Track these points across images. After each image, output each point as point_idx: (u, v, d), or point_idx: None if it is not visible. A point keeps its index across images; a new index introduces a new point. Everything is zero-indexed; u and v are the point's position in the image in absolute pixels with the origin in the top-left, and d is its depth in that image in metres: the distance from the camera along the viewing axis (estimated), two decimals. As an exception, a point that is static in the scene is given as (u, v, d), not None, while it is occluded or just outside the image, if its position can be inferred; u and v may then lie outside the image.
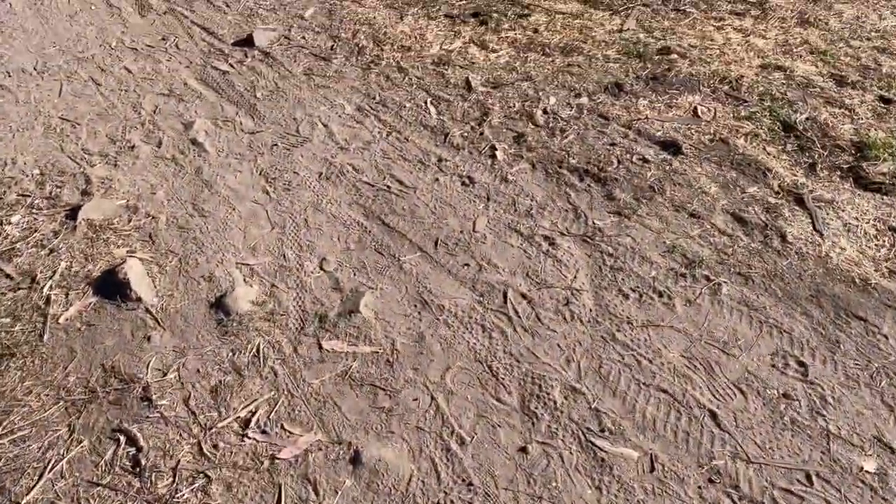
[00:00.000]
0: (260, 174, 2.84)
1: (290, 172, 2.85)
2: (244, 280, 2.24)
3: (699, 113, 3.14)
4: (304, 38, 3.96)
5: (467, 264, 2.35)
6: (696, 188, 2.66)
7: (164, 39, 3.92)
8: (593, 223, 2.51)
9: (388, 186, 2.75)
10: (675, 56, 3.59)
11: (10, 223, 2.40)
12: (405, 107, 3.31)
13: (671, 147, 2.90)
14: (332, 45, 3.88)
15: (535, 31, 3.97)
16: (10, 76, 3.44)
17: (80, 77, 3.50)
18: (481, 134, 3.09)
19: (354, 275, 2.31)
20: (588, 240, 2.44)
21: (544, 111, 3.22)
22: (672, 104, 3.21)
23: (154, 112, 3.26)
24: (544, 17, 4.10)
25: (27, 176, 2.74)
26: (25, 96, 3.28)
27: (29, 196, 2.61)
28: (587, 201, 2.62)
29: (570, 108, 3.25)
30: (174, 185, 2.76)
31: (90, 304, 2.07)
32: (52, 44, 3.77)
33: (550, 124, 3.12)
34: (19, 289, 2.14)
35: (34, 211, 2.50)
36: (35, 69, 3.53)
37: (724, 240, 2.41)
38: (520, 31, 3.99)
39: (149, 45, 3.84)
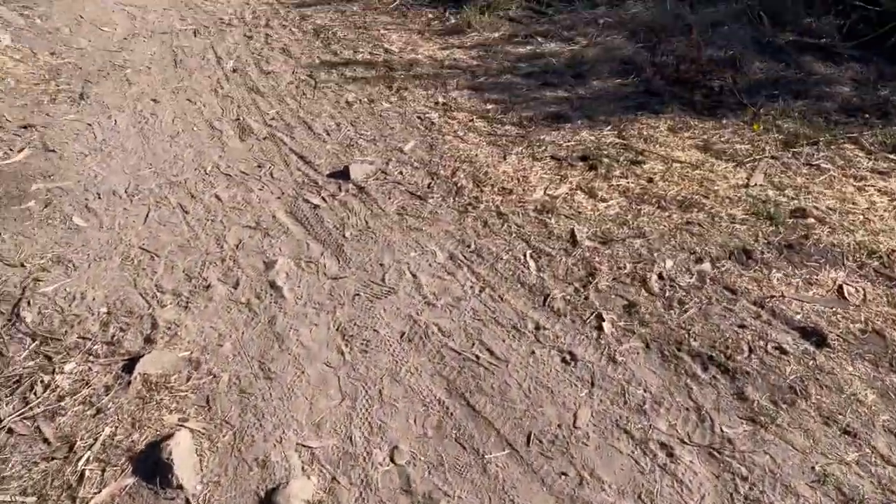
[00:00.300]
0: (337, 329, 2.60)
1: (369, 330, 2.60)
2: (302, 469, 1.95)
3: (846, 294, 2.72)
4: (401, 173, 3.83)
5: (565, 473, 1.98)
6: (849, 394, 2.22)
7: (259, 167, 3.87)
8: (721, 431, 2.10)
9: (477, 356, 2.45)
10: (811, 220, 3.21)
11: (62, 372, 2.23)
12: (502, 258, 3.05)
13: (814, 336, 2.49)
14: (430, 183, 3.72)
15: (650, 180, 3.70)
16: (99, 198, 3.42)
17: (169, 203, 3.45)
18: (586, 298, 2.77)
19: (429, 473, 1.98)
20: (715, 454, 2.03)
21: (660, 276, 2.89)
22: (812, 280, 2.81)
23: (237, 247, 3.13)
24: (660, 166, 3.84)
25: (93, 314, 2.60)
26: (110, 222, 3.23)
27: (89, 339, 2.45)
28: (713, 399, 2.23)
29: (689, 275, 2.91)
30: (244, 336, 2.55)
31: (126, 486, 1.82)
32: (147, 165, 3.79)
33: (667, 293, 2.78)
34: (53, 458, 1.92)
35: (91, 358, 2.33)
36: (126, 192, 3.51)
37: (889, 472, 1.95)
38: (632, 179, 3.72)
39: (243, 172, 3.79)
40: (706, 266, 2.96)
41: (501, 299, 2.78)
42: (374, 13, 6.78)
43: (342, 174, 3.85)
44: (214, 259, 3.05)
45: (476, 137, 4.27)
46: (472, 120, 4.50)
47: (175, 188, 3.63)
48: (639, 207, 3.45)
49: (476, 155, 4.03)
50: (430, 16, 6.78)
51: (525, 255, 3.07)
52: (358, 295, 2.82)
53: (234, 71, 5.27)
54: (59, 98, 4.51)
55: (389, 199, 3.58)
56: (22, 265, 2.85)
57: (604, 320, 2.64)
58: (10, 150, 3.78)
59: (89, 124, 4.22)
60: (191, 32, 6.13)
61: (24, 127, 4.03)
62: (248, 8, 6.89)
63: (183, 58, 5.48)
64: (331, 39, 6.01)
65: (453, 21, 6.56)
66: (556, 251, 3.10)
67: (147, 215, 3.36)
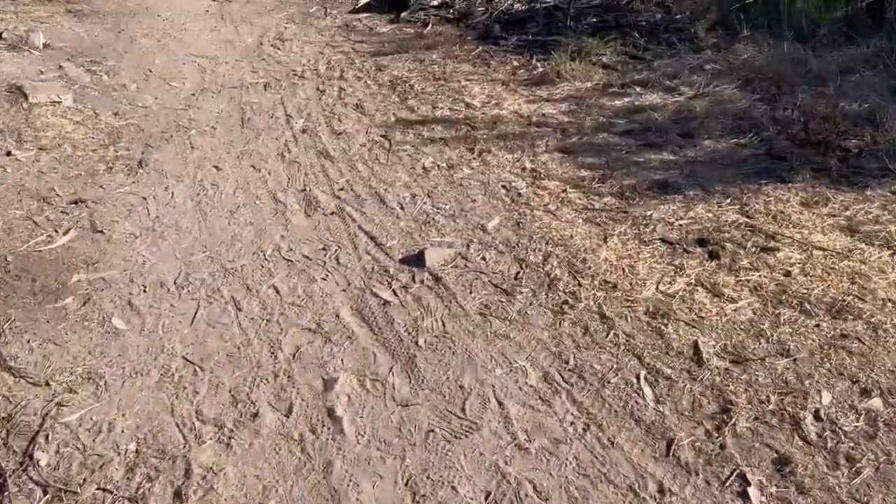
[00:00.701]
0: (406, 485, 2.13)
1: (446, 487, 2.12)
2: None
3: None
4: (483, 258, 3.38)
5: None
6: None
7: (324, 249, 3.49)
8: None
9: (586, 536, 1.93)
10: None
11: (69, 547, 1.84)
12: (609, 382, 2.54)
13: None
14: (517, 273, 3.25)
15: (787, 273, 3.11)
16: (145, 291, 3.10)
17: (222, 297, 3.10)
18: (722, 448, 2.23)
19: None
20: None
21: (816, 416, 2.32)
22: None
23: (293, 357, 2.72)
24: (797, 254, 3.24)
25: (119, 454, 2.22)
26: (154, 322, 2.89)
27: (110, 492, 2.06)
28: None
29: (854, 415, 2.32)
30: (293, 490, 2.12)
31: None
32: (202, 248, 3.46)
33: (829, 442, 2.20)
34: None
35: (107, 526, 1.93)
36: (175, 283, 3.18)
37: None
38: (764, 270, 3.15)
39: (306, 257, 3.41)
40: (876, 402, 2.37)
41: (612, 444, 2.27)
42: (454, 62, 6.42)
43: (416, 260, 3.42)
44: (266, 374, 2.64)
45: (570, 213, 3.78)
46: (564, 190, 4.02)
47: (230, 277, 3.28)
48: (777, 312, 2.87)
49: (571, 236, 3.54)
50: (515, 63, 6.37)
51: (638, 378, 2.55)
52: (432, 431, 2.35)
53: (304, 131, 4.97)
54: (117, 166, 4.28)
55: (470, 293, 3.13)
56: (47, 383, 2.52)
57: (749, 484, 2.09)
58: (56, 231, 3.53)
59: (144, 198, 3.95)
60: (261, 86, 5.91)
61: (75, 202, 3.79)
62: (323, 58, 6.66)
63: (251, 116, 5.23)
64: (408, 93, 5.66)
65: (541, 69, 6.13)
66: (677, 372, 2.56)
67: (195, 314, 3.00)
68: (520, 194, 4.02)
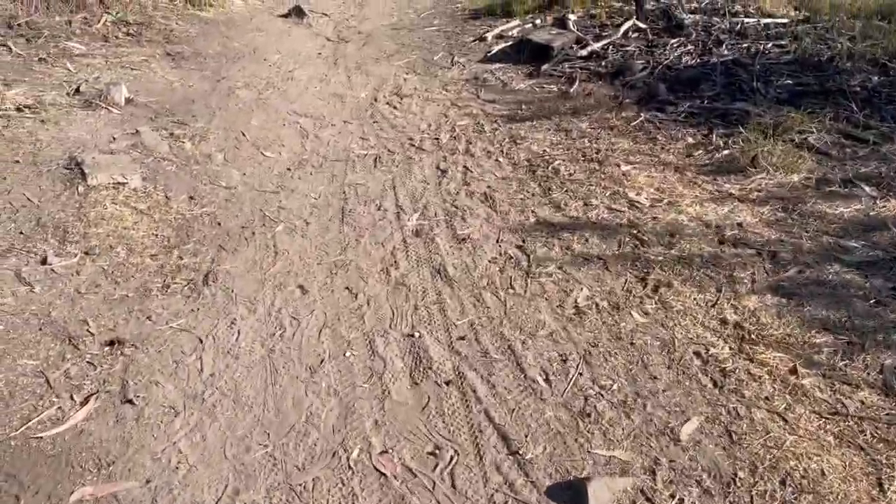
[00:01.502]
0: None
1: None
2: None
3: None
4: (681, 502, 2.21)
5: None
6: None
7: (434, 453, 2.47)
8: None
9: None
10: None
11: None
12: None
13: None
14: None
15: None
16: (166, 537, 2.12)
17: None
18: None
19: None
20: None
21: None
22: None
23: None
24: None
25: None
26: None
27: None
28: None
29: None
30: None
31: None
32: (263, 439, 2.51)
33: None
34: None
35: None
36: (213, 516, 2.19)
37: None
38: None
39: (407, 468, 2.36)
40: None
41: None
42: (609, 134, 5.29)
43: (574, 497, 2.29)
44: None
45: (811, 418, 2.57)
46: (793, 370, 2.81)
47: (294, 501, 2.26)
48: None
49: (821, 471, 2.33)
50: (690, 140, 5.17)
51: None
52: None
53: (417, 234, 3.98)
54: (176, 282, 3.43)
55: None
56: None
57: None
58: (73, 399, 2.66)
59: (200, 339, 3.05)
60: (371, 160, 4.99)
61: (110, 344, 2.93)
62: (446, 122, 5.69)
63: (353, 206, 4.30)
64: (551, 180, 4.58)
65: (725, 152, 4.91)
66: None
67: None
68: (724, 372, 2.84)
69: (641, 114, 5.72)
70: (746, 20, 7.59)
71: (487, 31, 8.21)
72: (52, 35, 6.39)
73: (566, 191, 4.47)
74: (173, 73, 6.50)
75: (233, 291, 3.45)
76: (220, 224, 4.06)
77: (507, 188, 4.57)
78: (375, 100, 6.33)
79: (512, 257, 3.76)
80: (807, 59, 6.41)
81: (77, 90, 5.32)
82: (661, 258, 3.67)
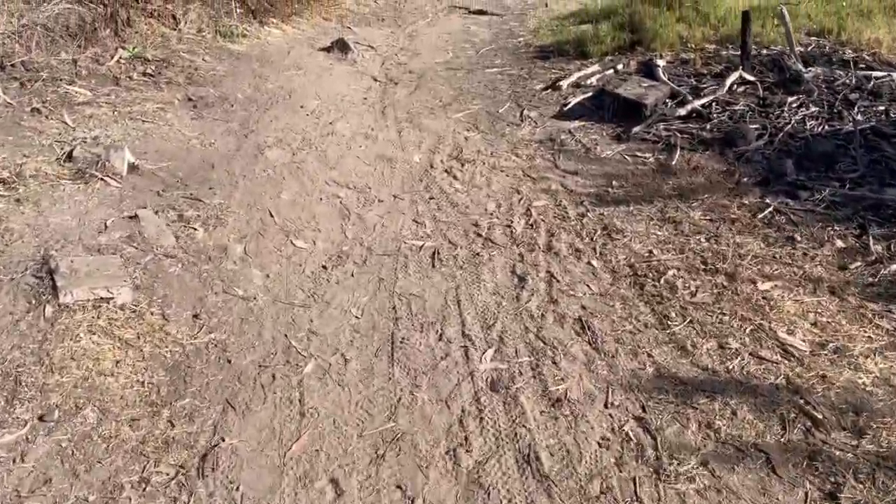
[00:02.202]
0: None
1: None
2: None
3: None
4: None
5: None
6: None
7: None
8: None
9: None
10: None
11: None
12: None
13: None
14: None
15: None
16: None
17: None
18: None
19: None
20: None
21: None
22: None
23: None
24: None
25: None
26: None
27: None
28: None
29: None
30: None
31: None
32: None
33: None
34: None
35: None
36: None
37: None
38: None
39: None
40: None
41: None
42: (730, 229, 4.28)
43: None
44: None
45: None
46: None
47: None
48: None
49: None
50: (840, 244, 4.13)
51: None
52: None
53: (493, 387, 3.02)
54: (160, 473, 2.46)
55: None
56: None
57: None
58: None
59: None
60: (427, 255, 4.04)
61: None
62: (519, 201, 4.71)
63: (407, 332, 3.35)
64: (666, 300, 3.59)
65: (894, 266, 3.82)
66: None
67: None
68: None
69: (767, 200, 4.67)
70: (876, 74, 6.50)
71: (561, 78, 7.22)
72: (51, 77, 5.55)
73: (690, 321, 3.45)
74: (193, 125, 5.62)
75: (238, 489, 2.47)
76: (230, 361, 3.12)
77: (608, 311, 3.56)
78: (431, 165, 5.37)
79: (631, 438, 2.75)
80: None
81: (69, 155, 4.44)
82: (849, 455, 2.62)
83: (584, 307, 3.62)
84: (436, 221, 4.54)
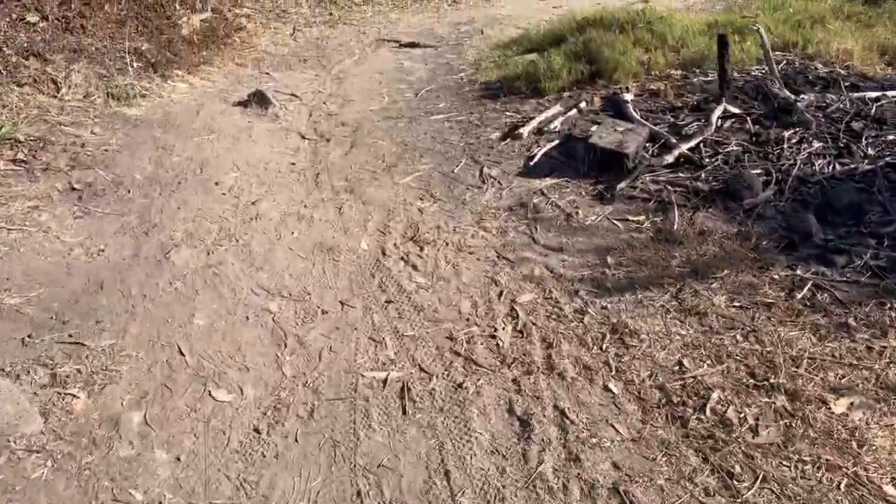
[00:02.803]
0: None
1: None
2: None
3: None
4: None
5: None
6: None
7: None
8: None
9: None
10: None
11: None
12: None
13: None
14: None
15: None
16: None
17: None
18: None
19: None
20: None
21: None
22: None
23: None
24: None
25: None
26: None
27: None
28: None
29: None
30: None
31: None
32: None
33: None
34: None
35: None
36: None
37: None
38: None
39: None
40: None
41: None
42: (767, 318, 3.53)
43: None
44: None
45: None
46: None
47: None
48: None
49: None
50: (908, 335, 3.32)
51: None
52: None
53: None
54: None
55: None
56: None
57: None
58: None
59: None
60: (394, 396, 3.13)
61: None
62: (499, 297, 3.84)
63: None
64: (722, 445, 2.80)
65: None
66: None
67: None
68: None
69: (799, 271, 3.89)
70: (870, 95, 5.86)
71: (520, 124, 6.39)
72: None
73: (764, 479, 2.58)
74: (76, 226, 4.57)
75: None
76: None
77: (650, 470, 2.68)
78: (383, 252, 4.44)
79: None
80: None
81: None
82: None
83: (615, 465, 2.74)
84: (399, 337, 3.61)
